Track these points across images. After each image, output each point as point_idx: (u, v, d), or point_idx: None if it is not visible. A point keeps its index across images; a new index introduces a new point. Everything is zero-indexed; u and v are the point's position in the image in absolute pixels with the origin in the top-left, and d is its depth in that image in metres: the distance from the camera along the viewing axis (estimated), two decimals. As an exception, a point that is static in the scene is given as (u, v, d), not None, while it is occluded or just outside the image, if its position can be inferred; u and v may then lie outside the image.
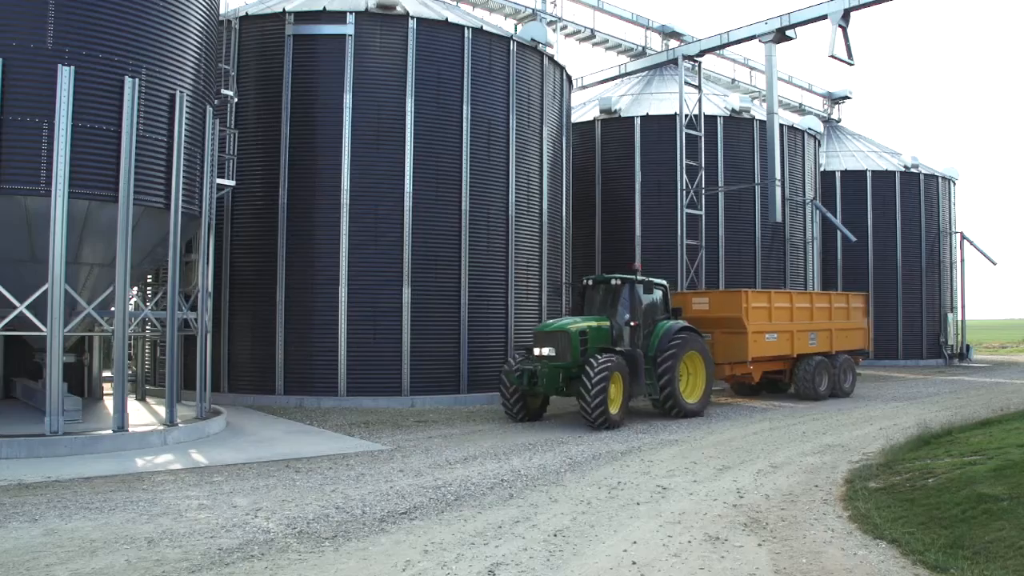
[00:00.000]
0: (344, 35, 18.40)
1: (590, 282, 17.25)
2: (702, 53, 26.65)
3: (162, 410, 14.28)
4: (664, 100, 27.85)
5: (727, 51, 31.24)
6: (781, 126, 26.79)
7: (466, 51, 19.30)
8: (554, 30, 26.36)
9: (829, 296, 22.86)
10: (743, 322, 18.99)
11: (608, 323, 16.22)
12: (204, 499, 9.26)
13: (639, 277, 16.89)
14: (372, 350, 18.31)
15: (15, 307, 12.20)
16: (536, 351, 15.64)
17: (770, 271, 27.10)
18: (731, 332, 19.17)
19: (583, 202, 26.63)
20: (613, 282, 16.74)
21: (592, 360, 14.83)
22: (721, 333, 19.25)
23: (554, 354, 15.38)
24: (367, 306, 18.29)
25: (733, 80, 35.68)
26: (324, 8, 18.61)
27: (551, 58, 21.98)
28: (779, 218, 25.87)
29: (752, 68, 36.15)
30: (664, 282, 17.90)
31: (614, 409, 15.01)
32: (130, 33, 12.95)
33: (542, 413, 16.56)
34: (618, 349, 15.79)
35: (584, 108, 29.62)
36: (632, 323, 16.33)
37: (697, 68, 26.43)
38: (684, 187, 25.14)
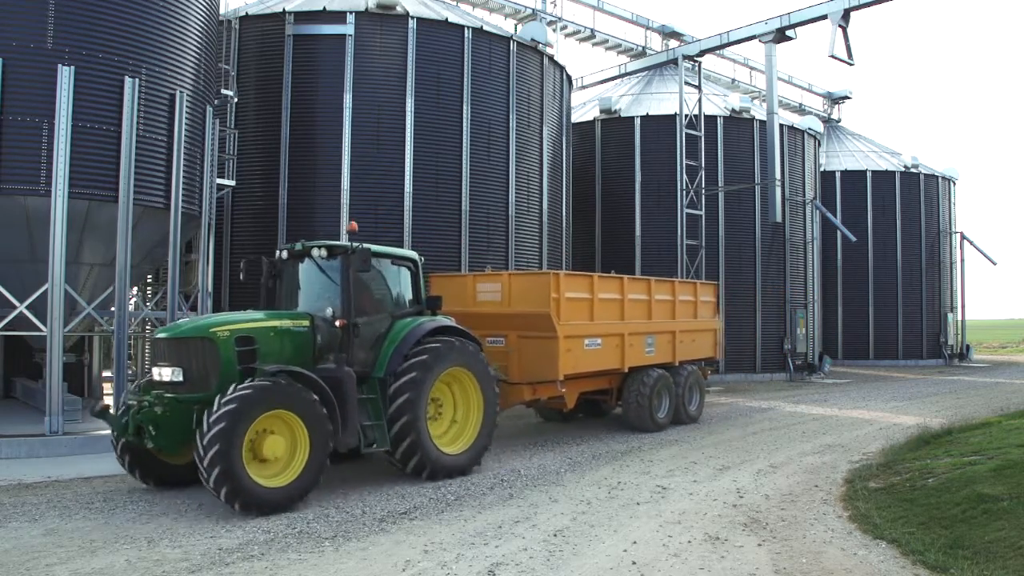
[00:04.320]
0: (344, 35, 18.39)
1: (284, 255, 10.57)
2: (702, 53, 26.64)
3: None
4: (664, 100, 27.84)
5: (727, 51, 31.23)
6: (781, 126, 26.79)
7: (466, 51, 19.29)
8: (554, 30, 26.34)
9: (672, 284, 16.38)
10: (551, 321, 12.51)
11: (308, 323, 9.90)
12: (204, 499, 9.25)
13: (357, 245, 10.02)
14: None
15: (15, 307, 12.20)
16: (155, 373, 9.25)
17: (770, 271, 27.09)
18: (534, 336, 12.76)
19: (583, 202, 26.62)
20: (316, 254, 10.20)
21: (221, 395, 8.48)
22: (519, 338, 12.88)
23: (181, 379, 9.00)
24: (367, 306, 18.21)
25: (733, 80, 35.67)
26: (324, 8, 18.60)
27: (551, 58, 21.97)
28: (779, 218, 25.87)
29: (752, 68, 36.15)
30: (413, 255, 11.39)
31: (277, 479, 8.64)
32: (130, 33, 12.95)
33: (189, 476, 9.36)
34: (329, 366, 9.67)
35: (584, 108, 29.61)
36: (338, 322, 9.86)
37: (697, 68, 26.42)
38: (684, 187, 25.13)
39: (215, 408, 8.26)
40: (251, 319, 9.69)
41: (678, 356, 16.00)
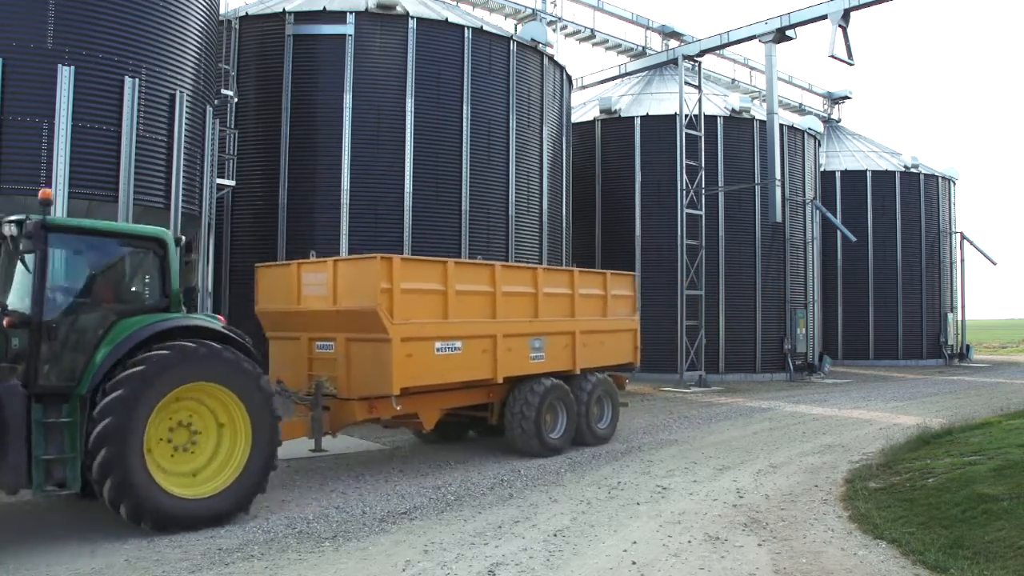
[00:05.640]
0: (344, 35, 18.39)
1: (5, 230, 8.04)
2: (702, 53, 26.63)
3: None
4: (664, 100, 27.84)
5: (727, 51, 31.22)
6: (781, 126, 26.78)
7: (466, 51, 19.29)
8: (554, 30, 26.34)
9: (570, 275, 13.42)
10: (380, 320, 9.94)
11: None
12: (204, 499, 9.25)
13: (52, 220, 7.78)
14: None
15: (15, 307, 12.20)
16: None
17: (770, 271, 27.09)
18: (363, 339, 10.30)
19: (583, 202, 26.61)
20: (7, 231, 7.90)
21: None
22: (348, 341, 10.44)
23: None
24: (367, 306, 18.21)
25: (733, 80, 35.68)
26: (324, 8, 18.60)
27: (551, 58, 21.97)
28: (779, 218, 25.86)
29: (752, 68, 36.15)
30: (157, 232, 8.72)
31: None
32: (130, 33, 12.97)
33: None
34: None
35: (584, 108, 29.61)
36: (6, 321, 7.55)
37: (697, 68, 26.41)
38: (684, 187, 25.13)
39: None
40: None
41: (580, 362, 13.04)
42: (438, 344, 10.74)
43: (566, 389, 12.52)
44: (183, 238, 9.45)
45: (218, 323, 8.75)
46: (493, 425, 12.44)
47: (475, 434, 13.76)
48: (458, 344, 11.05)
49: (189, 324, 8.32)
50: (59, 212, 11.93)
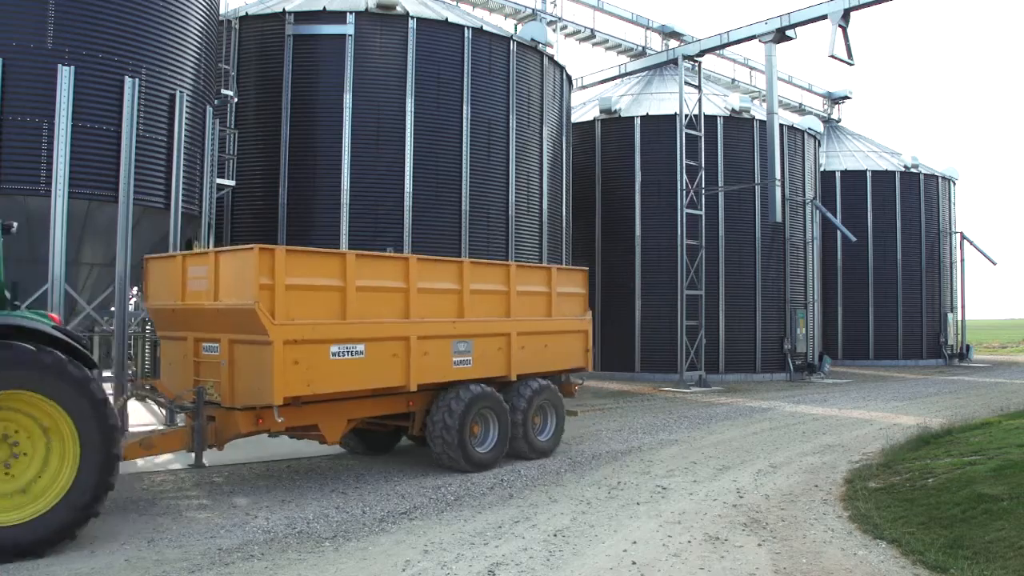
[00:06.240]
0: (344, 35, 18.39)
1: None
2: (702, 53, 26.64)
3: (162, 411, 14.25)
4: (664, 100, 27.85)
5: (727, 51, 31.23)
6: (781, 126, 26.79)
7: (466, 51, 19.29)
8: (554, 30, 26.34)
9: (506, 270, 12.06)
10: (258, 319, 8.74)
11: None
12: (204, 499, 9.27)
13: None
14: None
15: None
16: None
17: (770, 271, 27.09)
18: (245, 341, 9.13)
19: (583, 202, 26.62)
20: None
21: None
22: (231, 343, 9.29)
23: None
24: (367, 306, 18.19)
25: (733, 80, 35.68)
26: (324, 8, 18.60)
27: (551, 58, 21.98)
28: (779, 218, 25.86)
29: (752, 68, 36.16)
30: None
31: None
32: (130, 33, 12.96)
33: None
34: None
35: (584, 108, 29.62)
36: None
37: (697, 68, 26.41)
38: (684, 187, 25.12)
39: None
40: None
41: (517, 367, 11.85)
42: (335, 348, 9.43)
43: (498, 397, 11.28)
44: (12, 224, 8.25)
45: (47, 322, 7.65)
46: (416, 437, 11.39)
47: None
48: (360, 347, 9.73)
49: (9, 323, 7.20)
50: (59, 212, 11.92)
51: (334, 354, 9.43)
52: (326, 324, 9.37)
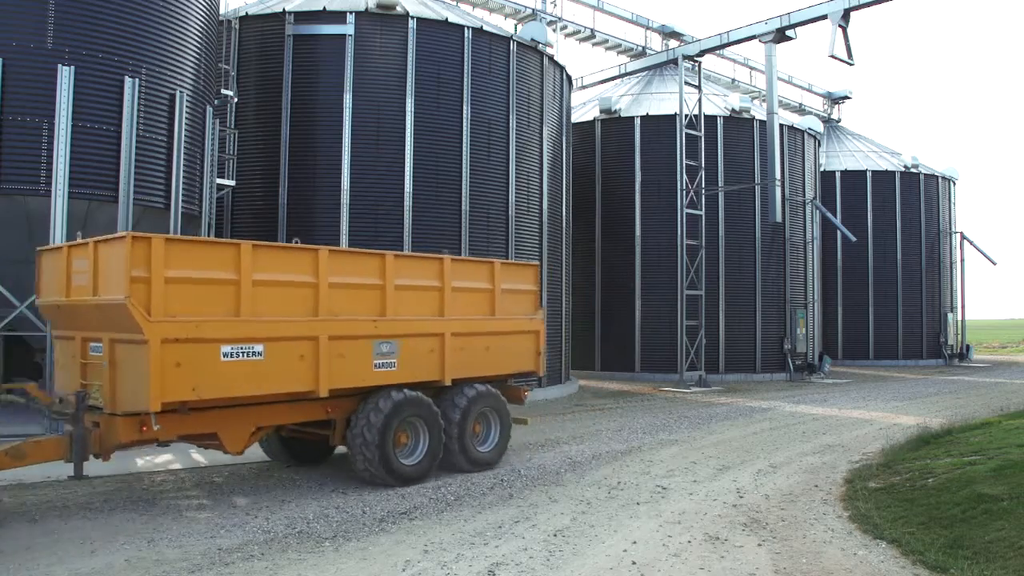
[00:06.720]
0: (344, 35, 18.39)
1: None
2: (702, 53, 26.64)
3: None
4: (664, 100, 27.85)
5: (727, 51, 31.25)
6: (781, 126, 26.79)
7: (466, 51, 19.29)
8: (554, 30, 26.35)
9: (439, 263, 10.98)
10: (131, 317, 7.88)
11: None
12: (204, 499, 9.27)
13: None
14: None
15: (15, 307, 12.21)
16: None
17: (770, 271, 27.09)
18: (123, 340, 8.24)
19: (583, 202, 26.63)
20: None
21: None
22: (113, 342, 8.39)
23: None
24: (367, 306, 18.18)
25: (733, 80, 35.69)
26: (324, 8, 18.61)
27: (551, 58, 21.98)
28: (779, 218, 25.87)
29: (752, 68, 36.17)
30: None
31: None
32: (130, 33, 12.97)
33: None
34: None
35: (584, 108, 29.62)
36: None
37: (697, 68, 26.42)
38: (684, 187, 25.13)
39: None
40: None
41: (453, 371, 10.84)
42: (226, 348, 8.47)
43: (429, 404, 10.26)
44: None
45: None
46: (332, 447, 10.23)
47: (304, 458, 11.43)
48: (258, 348, 8.75)
49: None
50: (59, 212, 11.92)
51: (226, 355, 8.49)
52: (215, 322, 8.42)
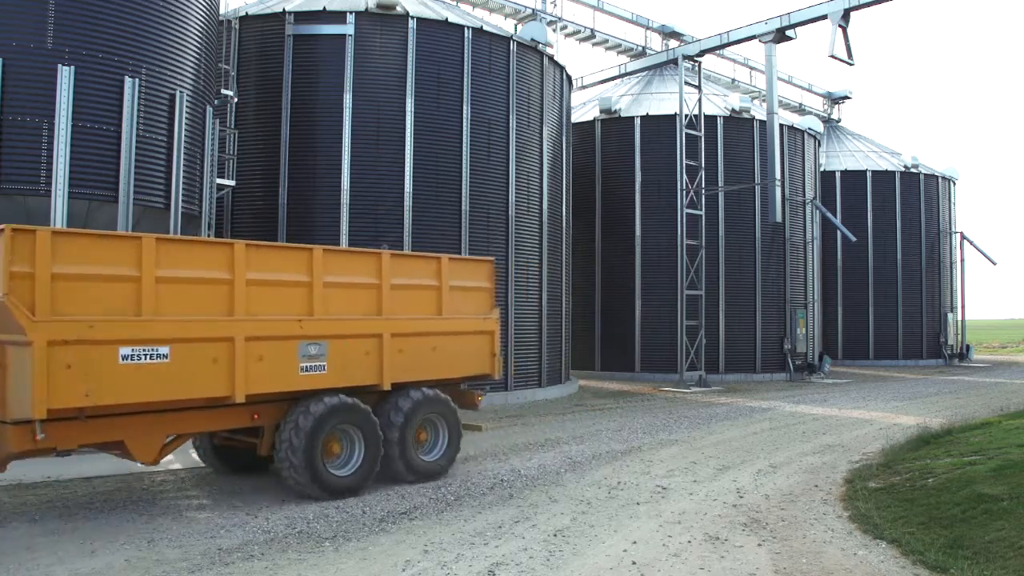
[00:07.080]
0: (344, 35, 18.39)
1: None
2: (702, 53, 26.64)
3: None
4: (664, 100, 27.86)
5: (727, 51, 31.25)
6: (781, 126, 26.80)
7: (466, 51, 19.29)
8: (554, 30, 26.36)
9: (376, 259, 10.28)
10: (13, 316, 7.27)
11: None
12: (204, 499, 9.27)
13: None
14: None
15: None
16: None
17: (770, 271, 27.10)
18: (13, 343, 7.58)
19: (583, 202, 26.63)
20: None
21: None
22: (4, 344, 7.76)
23: None
24: (367, 306, 18.18)
25: (733, 80, 35.69)
26: (324, 8, 18.60)
27: (551, 58, 21.98)
28: (779, 218, 25.87)
29: (752, 68, 36.17)
30: None
31: None
32: (130, 33, 12.97)
33: None
34: None
35: (584, 108, 29.62)
36: None
37: (697, 68, 26.42)
38: (684, 187, 25.13)
39: None
40: None
41: (393, 375, 10.11)
42: (126, 350, 7.80)
43: (365, 410, 9.57)
44: None
45: None
46: (264, 457, 9.48)
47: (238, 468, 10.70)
48: (164, 350, 8.08)
49: None
50: (59, 212, 11.92)
51: (125, 357, 7.81)
52: (111, 322, 7.73)
